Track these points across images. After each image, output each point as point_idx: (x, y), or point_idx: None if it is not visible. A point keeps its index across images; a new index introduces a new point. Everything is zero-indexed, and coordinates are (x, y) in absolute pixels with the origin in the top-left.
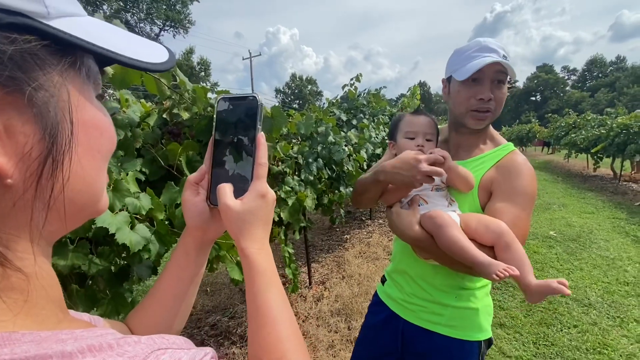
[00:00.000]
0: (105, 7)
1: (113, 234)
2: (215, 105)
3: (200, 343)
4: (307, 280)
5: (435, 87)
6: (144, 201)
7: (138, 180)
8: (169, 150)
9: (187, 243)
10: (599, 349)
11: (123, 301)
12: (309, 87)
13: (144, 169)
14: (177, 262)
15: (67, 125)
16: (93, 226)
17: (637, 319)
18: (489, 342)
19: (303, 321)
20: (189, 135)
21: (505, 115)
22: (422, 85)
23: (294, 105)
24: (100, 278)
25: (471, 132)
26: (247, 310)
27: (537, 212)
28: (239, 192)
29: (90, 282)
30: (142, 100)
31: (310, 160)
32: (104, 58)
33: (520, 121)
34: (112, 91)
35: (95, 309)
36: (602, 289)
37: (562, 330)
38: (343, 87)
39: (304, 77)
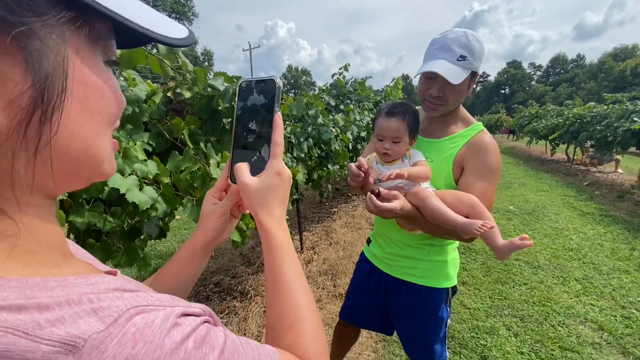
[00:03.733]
0: None
1: (124, 195)
2: (237, 89)
3: (205, 298)
4: (300, 246)
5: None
6: (151, 167)
7: (146, 152)
8: (173, 125)
9: (195, 243)
10: (543, 302)
11: (135, 254)
12: (304, 77)
13: (151, 142)
14: (182, 257)
15: (61, 79)
16: (106, 187)
17: (577, 279)
18: (454, 290)
19: None
20: (190, 113)
21: (477, 106)
22: (405, 77)
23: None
24: (114, 235)
25: (442, 115)
26: (265, 280)
27: (499, 190)
28: (257, 171)
29: (105, 237)
30: (149, 81)
31: (301, 139)
32: (121, 26)
33: (490, 111)
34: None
35: (110, 260)
36: (550, 254)
37: (514, 287)
38: (332, 76)
39: (299, 69)
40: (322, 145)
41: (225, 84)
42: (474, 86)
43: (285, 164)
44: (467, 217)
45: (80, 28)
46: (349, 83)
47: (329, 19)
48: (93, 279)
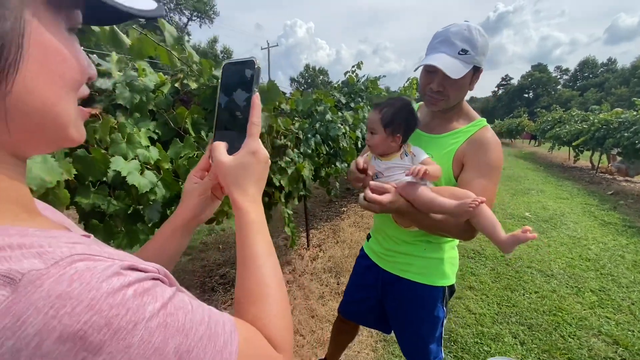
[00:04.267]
0: None
1: (126, 178)
2: (221, 70)
3: (210, 289)
4: (306, 243)
5: None
6: (153, 153)
7: (151, 139)
8: (178, 114)
9: (176, 221)
10: (554, 312)
11: (136, 237)
12: (321, 77)
13: (157, 130)
14: (164, 234)
15: (17, 39)
16: (108, 170)
17: (593, 290)
18: (451, 289)
19: (300, 275)
20: (196, 103)
21: (499, 110)
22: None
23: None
24: (117, 217)
25: (443, 110)
26: (237, 257)
27: (516, 195)
28: (235, 150)
29: (109, 219)
30: (160, 72)
31: (309, 135)
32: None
33: (512, 115)
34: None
35: (112, 241)
36: (565, 263)
37: (524, 295)
38: (345, 74)
39: (317, 68)
40: (330, 142)
41: None
42: (477, 81)
43: (292, 159)
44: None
45: None
46: (361, 81)
47: (348, 19)
48: (54, 232)
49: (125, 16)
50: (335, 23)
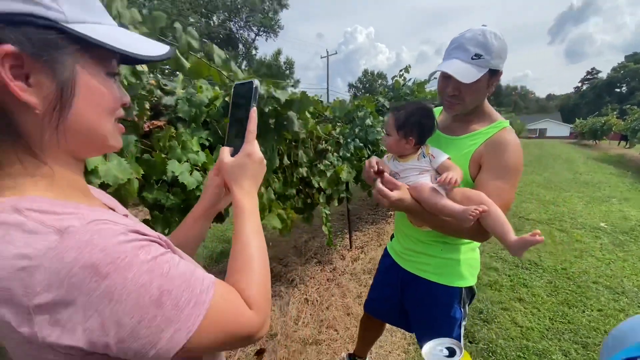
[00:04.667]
0: (214, 17)
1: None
2: (232, 89)
3: None
4: (349, 244)
5: (507, 78)
6: (201, 157)
7: (204, 145)
8: (224, 124)
9: (197, 211)
10: None
11: None
12: (379, 81)
13: (209, 138)
14: (188, 222)
15: (71, 84)
16: (166, 171)
17: None
18: (471, 291)
19: (340, 275)
20: None
21: (582, 108)
22: None
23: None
24: (173, 210)
25: (464, 113)
26: (232, 237)
27: (591, 203)
28: (237, 153)
29: (167, 211)
30: (216, 88)
31: (349, 140)
32: (112, 49)
33: (598, 114)
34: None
35: (167, 229)
36: None
37: (584, 312)
38: (392, 78)
39: (375, 72)
40: (370, 146)
41: (267, 89)
42: (496, 83)
43: (331, 162)
44: None
45: (85, 53)
46: (405, 84)
47: (409, 20)
48: (96, 208)
49: (147, 60)
50: (396, 26)
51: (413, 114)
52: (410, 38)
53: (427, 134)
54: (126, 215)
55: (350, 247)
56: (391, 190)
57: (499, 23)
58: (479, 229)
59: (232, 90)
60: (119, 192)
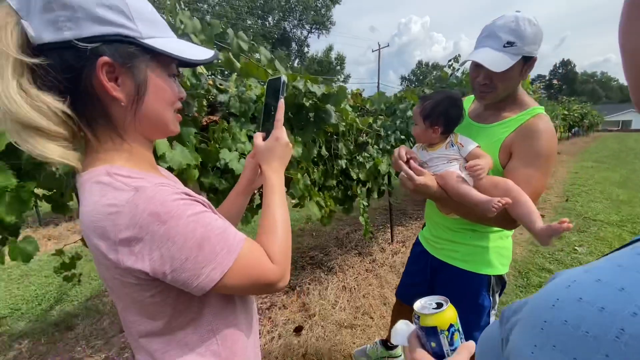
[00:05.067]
0: (270, 18)
1: (228, 164)
2: (266, 84)
3: (301, 267)
4: (390, 238)
5: (584, 64)
6: (248, 146)
7: (250, 137)
8: None
9: (238, 188)
10: None
11: None
12: (434, 72)
13: (255, 130)
14: (231, 197)
15: (145, 84)
16: (220, 158)
17: None
18: (501, 280)
19: (379, 266)
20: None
21: None
22: (565, 63)
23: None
24: (225, 193)
25: (498, 100)
26: (262, 208)
27: None
28: (268, 137)
29: (220, 194)
30: (264, 86)
31: (389, 132)
32: (172, 57)
33: None
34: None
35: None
36: None
37: None
38: (442, 68)
39: (430, 64)
40: (412, 139)
41: (307, 85)
42: (531, 70)
43: (370, 155)
44: None
45: (154, 60)
46: (453, 74)
47: (469, 6)
48: (160, 176)
49: (197, 63)
50: (454, 13)
51: (440, 103)
52: (470, 25)
53: (454, 123)
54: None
55: (392, 241)
56: (417, 175)
57: (572, 3)
58: (506, 217)
59: (266, 84)
60: (181, 176)
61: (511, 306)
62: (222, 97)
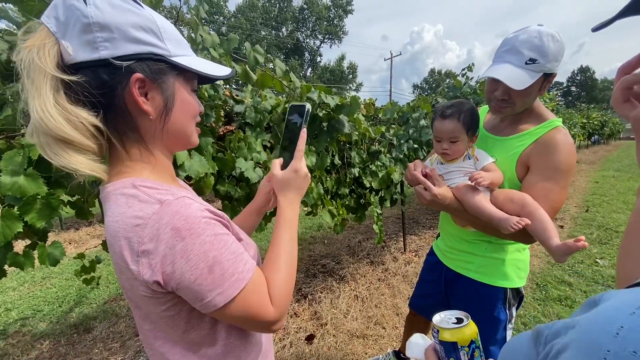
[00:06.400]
0: (284, 29)
1: (244, 173)
2: (288, 108)
3: (312, 275)
4: (403, 247)
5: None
6: (263, 155)
7: (265, 146)
8: (282, 127)
9: (252, 207)
10: None
11: None
12: (447, 80)
13: (270, 140)
14: (245, 213)
15: (172, 98)
16: (235, 167)
17: None
18: (519, 294)
19: (391, 276)
20: None
21: None
22: (584, 70)
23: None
24: (240, 200)
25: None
26: (270, 240)
27: None
28: (286, 166)
29: (235, 202)
30: (280, 97)
31: (402, 141)
32: (197, 73)
33: None
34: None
35: (234, 217)
36: None
37: None
38: (455, 77)
39: (443, 72)
40: (425, 147)
41: (321, 96)
42: (549, 85)
43: (383, 163)
44: (517, 216)
45: (180, 76)
46: (467, 84)
47: (483, 14)
48: (182, 189)
49: (217, 79)
50: (467, 21)
51: (473, 112)
52: (483, 32)
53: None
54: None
55: (404, 250)
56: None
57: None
58: (523, 232)
59: (288, 109)
60: (199, 184)
61: (552, 326)
62: (238, 108)
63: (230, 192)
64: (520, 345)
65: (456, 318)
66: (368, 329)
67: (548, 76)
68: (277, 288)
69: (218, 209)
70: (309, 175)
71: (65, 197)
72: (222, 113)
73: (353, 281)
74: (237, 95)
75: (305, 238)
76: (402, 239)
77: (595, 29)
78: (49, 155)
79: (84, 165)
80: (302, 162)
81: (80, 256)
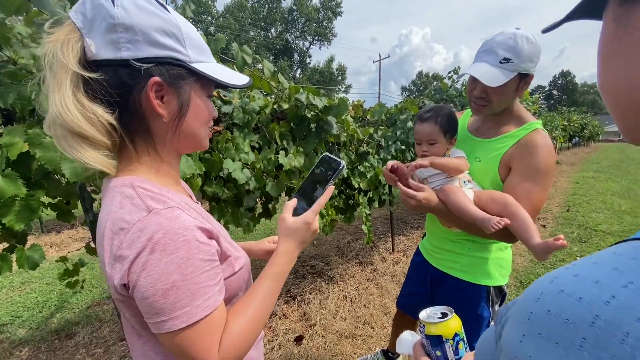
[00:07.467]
0: (273, 29)
1: (231, 174)
2: (321, 155)
3: (301, 277)
4: (391, 247)
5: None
6: (251, 156)
7: (253, 147)
8: (271, 128)
9: (247, 249)
10: None
11: (237, 217)
12: (435, 83)
13: (259, 141)
14: (248, 248)
15: (187, 103)
16: (223, 168)
17: None
18: (501, 292)
19: (380, 276)
20: (286, 119)
21: None
22: (565, 74)
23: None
24: (227, 202)
25: (495, 114)
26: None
27: None
28: (299, 212)
29: (222, 203)
30: (268, 97)
31: (390, 143)
32: (215, 81)
33: None
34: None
35: (222, 218)
36: None
37: None
38: (441, 79)
39: (430, 74)
40: (412, 149)
41: (309, 97)
42: (527, 87)
43: (371, 164)
44: (499, 217)
45: (197, 82)
46: (453, 86)
47: (471, 19)
48: (180, 194)
49: (235, 87)
50: (454, 25)
51: (450, 116)
52: (470, 36)
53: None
54: (197, 203)
55: (393, 250)
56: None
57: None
58: (505, 232)
59: (322, 156)
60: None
61: (505, 306)
62: (226, 108)
63: (218, 193)
64: (489, 331)
65: (441, 313)
66: (357, 329)
67: (524, 77)
68: (232, 336)
69: (205, 210)
70: (318, 231)
71: (45, 199)
72: (217, 114)
73: (342, 282)
74: (224, 96)
75: None
76: (390, 239)
77: (544, 31)
78: (63, 148)
79: (95, 160)
80: (316, 217)
81: (63, 259)
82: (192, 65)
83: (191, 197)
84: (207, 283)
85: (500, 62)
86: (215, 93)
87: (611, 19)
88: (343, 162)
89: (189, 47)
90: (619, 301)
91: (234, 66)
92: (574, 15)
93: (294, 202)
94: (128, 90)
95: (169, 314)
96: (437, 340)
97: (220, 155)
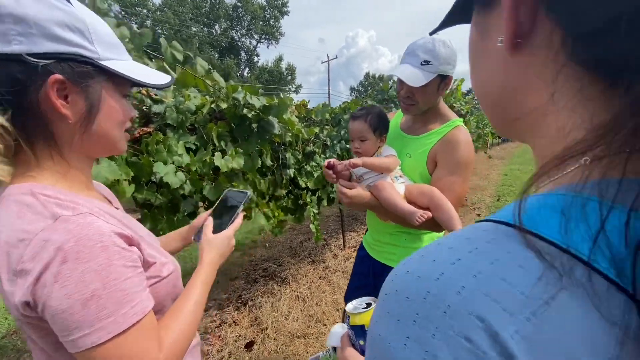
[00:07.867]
0: (217, 26)
1: (163, 178)
2: (228, 190)
3: (253, 281)
4: (342, 244)
5: None
6: (185, 158)
7: (189, 149)
8: (208, 129)
9: (179, 234)
10: None
11: (172, 224)
12: (380, 84)
13: (196, 143)
14: (167, 240)
15: (97, 104)
16: (154, 171)
17: None
18: None
19: (332, 273)
20: (224, 119)
21: None
22: None
23: (368, 102)
24: (161, 208)
25: (422, 113)
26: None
27: None
28: (216, 231)
29: (155, 210)
30: (206, 96)
31: (335, 142)
32: (129, 79)
33: None
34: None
35: (157, 226)
36: None
37: None
38: (382, 80)
39: (377, 76)
40: None
41: (247, 96)
42: (447, 87)
43: (318, 164)
44: (427, 209)
45: (109, 81)
46: (392, 87)
47: (411, 23)
48: (93, 200)
49: (153, 87)
50: (397, 29)
51: (381, 114)
52: (412, 40)
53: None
54: (118, 208)
55: (344, 247)
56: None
57: None
58: (433, 222)
59: (226, 192)
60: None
61: None
62: (157, 108)
63: (150, 200)
64: None
65: (366, 303)
66: (309, 327)
67: (444, 78)
68: (171, 335)
69: (138, 220)
70: (234, 246)
71: None
72: (137, 114)
73: (294, 282)
74: (155, 95)
75: (246, 243)
76: (341, 236)
77: (431, 34)
78: None
79: None
80: (233, 233)
81: None
82: (101, 62)
83: (111, 203)
84: (132, 289)
85: (422, 64)
86: (144, 91)
87: (473, 24)
88: (249, 192)
89: (97, 43)
90: (445, 276)
91: (164, 63)
92: (449, 20)
93: (211, 221)
94: (22, 88)
95: (90, 325)
96: (360, 330)
97: (151, 159)
